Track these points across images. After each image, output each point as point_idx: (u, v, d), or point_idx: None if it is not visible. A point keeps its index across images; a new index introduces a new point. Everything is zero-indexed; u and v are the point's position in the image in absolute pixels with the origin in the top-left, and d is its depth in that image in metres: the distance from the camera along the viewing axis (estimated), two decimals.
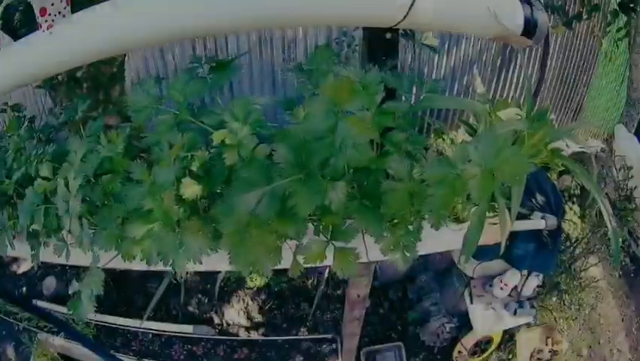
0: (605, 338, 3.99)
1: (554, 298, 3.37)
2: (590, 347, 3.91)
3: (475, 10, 1.19)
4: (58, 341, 3.45)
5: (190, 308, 3.61)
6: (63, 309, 3.59)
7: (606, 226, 3.11)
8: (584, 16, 3.03)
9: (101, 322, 3.44)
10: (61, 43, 1.13)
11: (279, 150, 0.97)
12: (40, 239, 1.32)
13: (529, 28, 1.29)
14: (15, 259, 4.32)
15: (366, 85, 1.05)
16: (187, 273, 3.68)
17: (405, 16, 1.11)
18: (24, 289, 4.20)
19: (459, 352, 3.13)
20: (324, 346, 2.72)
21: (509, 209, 1.07)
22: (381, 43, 1.30)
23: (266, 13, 1.10)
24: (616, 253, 2.11)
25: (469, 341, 3.04)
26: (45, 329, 3.50)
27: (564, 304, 3.45)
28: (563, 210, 2.86)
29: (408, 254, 1.15)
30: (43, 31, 1.13)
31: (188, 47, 3.80)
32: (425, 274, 3.34)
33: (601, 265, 3.91)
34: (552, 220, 2.26)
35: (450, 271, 3.13)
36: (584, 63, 3.62)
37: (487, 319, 2.78)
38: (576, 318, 3.57)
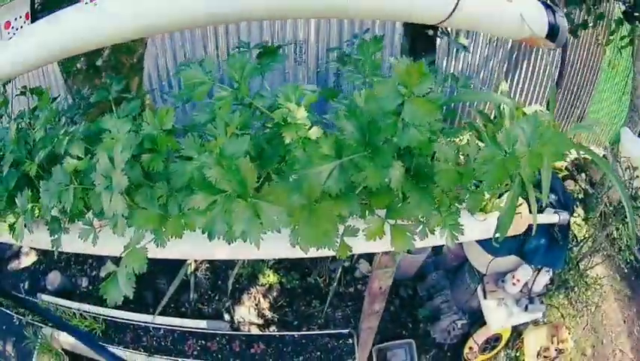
0: (607, 338, 4.14)
1: (561, 296, 3.52)
2: (594, 346, 4.05)
3: (508, 15, 1.34)
4: (63, 337, 3.46)
5: (199, 305, 3.68)
6: (70, 304, 3.64)
7: (612, 226, 3.28)
8: (590, 24, 3.21)
9: (110, 317, 3.44)
10: None
11: (347, 128, 1.08)
12: (62, 224, 1.33)
13: (553, 33, 1.44)
14: (17, 254, 4.36)
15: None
16: (198, 269, 3.71)
17: (449, 15, 1.25)
18: (26, 283, 4.20)
19: (470, 348, 3.25)
20: (340, 341, 2.80)
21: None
22: (422, 40, 1.43)
23: (333, 4, 1.22)
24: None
25: (480, 336, 3.16)
26: (50, 324, 3.49)
27: (571, 303, 3.60)
28: (572, 207, 3.01)
29: (455, 233, 1.27)
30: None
31: (199, 46, 3.90)
32: (436, 271, 3.46)
33: (604, 266, 4.07)
34: (565, 215, 2.40)
35: (461, 269, 3.25)
36: (587, 71, 3.81)
37: (499, 314, 2.90)
38: (582, 316, 3.72)
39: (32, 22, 1.51)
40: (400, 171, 1.10)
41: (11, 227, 1.39)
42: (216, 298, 3.58)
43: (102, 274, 1.07)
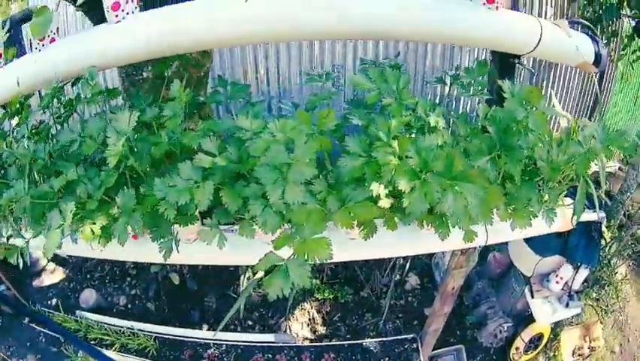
0: (633, 336, 4.65)
1: (594, 295, 4.02)
2: (621, 344, 4.55)
3: (569, 46, 1.85)
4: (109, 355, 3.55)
5: (250, 322, 3.97)
6: (119, 322, 3.81)
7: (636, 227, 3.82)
8: (604, 42, 3.83)
9: (165, 334, 3.58)
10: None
11: (491, 130, 1.53)
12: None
13: (597, 59, 1.97)
14: (40, 272, 4.49)
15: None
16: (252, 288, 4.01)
17: (534, 48, 1.76)
18: (53, 301, 4.30)
19: (516, 348, 3.67)
20: (406, 346, 3.17)
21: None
22: (506, 66, 1.94)
23: (433, 31, 1.64)
24: None
25: (526, 334, 3.61)
26: (92, 342, 3.65)
27: (602, 300, 4.10)
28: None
29: (553, 217, 1.74)
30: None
31: (239, 70, 4.23)
32: (480, 280, 3.91)
33: (627, 269, 4.62)
34: (602, 214, 2.92)
35: (506, 276, 3.72)
36: (601, 86, 4.43)
37: (546, 311, 3.36)
38: (611, 313, 4.21)
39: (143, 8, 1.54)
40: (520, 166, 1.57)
41: (105, 230, 1.38)
42: (268, 314, 3.90)
43: (260, 268, 1.08)
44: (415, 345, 3.12)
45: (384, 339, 3.20)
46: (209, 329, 3.92)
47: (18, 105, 1.67)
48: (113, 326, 3.79)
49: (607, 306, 4.18)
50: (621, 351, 4.47)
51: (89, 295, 4.19)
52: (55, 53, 1.61)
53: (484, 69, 1.79)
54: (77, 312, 4.03)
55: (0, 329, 4.05)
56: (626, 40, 3.57)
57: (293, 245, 1.15)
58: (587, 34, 1.96)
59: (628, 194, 4.06)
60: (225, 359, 3.43)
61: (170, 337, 3.60)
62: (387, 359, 3.11)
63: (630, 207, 3.71)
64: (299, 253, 1.12)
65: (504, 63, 1.91)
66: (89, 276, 4.53)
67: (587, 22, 1.96)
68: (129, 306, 4.28)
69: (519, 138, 1.53)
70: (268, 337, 3.46)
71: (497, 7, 1.50)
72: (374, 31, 1.41)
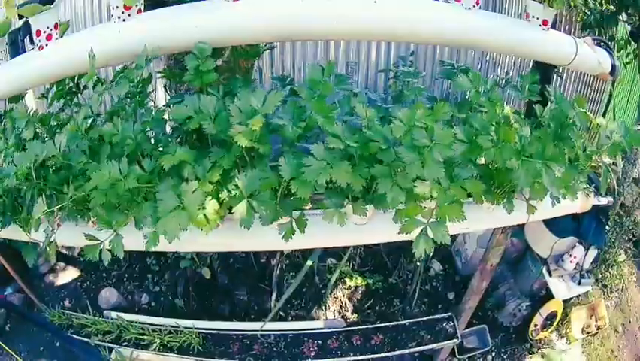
0: (633, 318, 5.33)
1: (600, 275, 4.68)
2: (624, 324, 5.23)
3: (594, 60, 2.41)
4: (146, 356, 3.68)
5: (281, 313, 4.24)
6: (157, 320, 3.83)
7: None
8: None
9: (208, 329, 3.68)
10: None
11: (552, 125, 2.07)
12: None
13: (613, 70, 2.54)
14: (50, 271, 4.56)
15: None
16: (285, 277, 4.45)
17: (572, 61, 2.32)
18: (66, 301, 4.39)
19: (535, 325, 4.28)
20: (444, 324, 3.66)
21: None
22: (545, 74, 2.50)
23: (509, 45, 2.19)
24: None
25: (545, 310, 4.23)
26: (124, 343, 3.66)
27: (607, 280, 4.76)
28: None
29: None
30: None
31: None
32: (499, 265, 4.50)
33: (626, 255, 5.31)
34: (610, 199, 3.55)
35: (523, 259, 4.34)
36: (595, 89, 5.10)
37: (562, 287, 3.99)
38: (617, 290, 4.88)
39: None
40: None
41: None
42: (301, 303, 4.32)
43: (407, 230, 1.28)
44: (451, 322, 3.64)
45: (424, 318, 3.69)
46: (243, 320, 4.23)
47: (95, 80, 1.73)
48: (150, 324, 3.79)
49: (610, 286, 4.84)
50: (624, 331, 5.13)
51: (109, 295, 4.29)
52: (151, 24, 1.71)
53: (535, 77, 2.31)
54: (106, 312, 4.05)
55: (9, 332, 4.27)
56: (622, 43, 4.23)
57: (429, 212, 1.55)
58: (604, 48, 2.53)
59: (623, 186, 4.75)
60: (275, 349, 3.63)
61: (214, 331, 3.73)
62: (429, 337, 3.59)
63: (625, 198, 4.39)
64: (441, 217, 1.54)
65: (544, 71, 2.46)
66: (104, 275, 4.61)
67: (605, 40, 2.54)
68: (153, 304, 4.40)
69: (570, 131, 2.07)
70: (317, 323, 3.85)
71: (549, 28, 2.06)
72: (472, 45, 1.95)
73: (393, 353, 3.49)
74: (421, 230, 1.57)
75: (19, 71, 1.81)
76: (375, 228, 1.92)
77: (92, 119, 1.72)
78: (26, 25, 1.78)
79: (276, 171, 1.53)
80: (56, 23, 1.75)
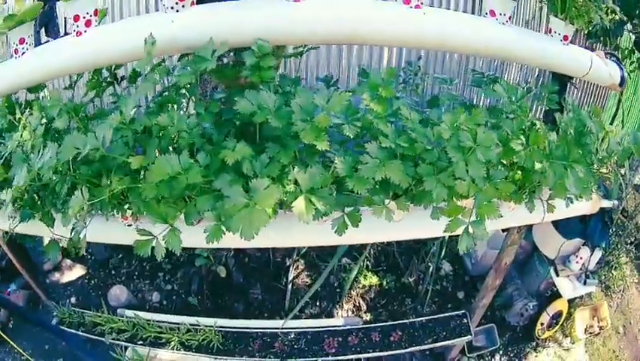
0: (634, 320, 5.63)
1: (603, 277, 4.97)
2: (624, 326, 5.52)
3: (606, 72, 2.66)
4: (165, 355, 3.78)
5: (297, 312, 4.30)
6: (176, 318, 3.88)
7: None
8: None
9: (227, 327, 3.75)
10: None
11: (571, 132, 2.33)
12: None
13: (622, 81, 2.81)
14: (57, 267, 4.63)
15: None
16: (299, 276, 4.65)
17: (587, 72, 2.59)
18: (72, 299, 4.47)
19: (541, 324, 4.55)
20: (458, 321, 3.83)
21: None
22: (562, 84, 2.76)
23: (534, 57, 2.45)
24: None
25: (551, 309, 4.50)
26: (139, 342, 3.71)
27: (610, 281, 5.06)
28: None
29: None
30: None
31: None
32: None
33: (627, 258, 5.61)
34: (616, 202, 3.84)
35: (530, 260, 4.61)
36: (599, 95, 5.41)
37: (569, 286, 4.26)
38: (619, 292, 5.17)
39: None
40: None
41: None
42: (315, 302, 4.52)
43: (452, 230, 1.39)
44: (465, 320, 3.89)
45: (440, 315, 3.94)
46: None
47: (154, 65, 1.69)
48: (167, 323, 3.83)
49: (613, 288, 5.14)
50: (625, 332, 5.41)
51: (119, 292, 4.34)
52: (208, 17, 1.72)
53: (555, 87, 2.55)
54: (120, 310, 4.04)
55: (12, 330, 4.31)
56: (626, 52, 4.53)
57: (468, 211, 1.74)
58: (614, 61, 2.78)
59: (625, 192, 5.05)
60: (296, 346, 3.73)
61: (233, 329, 3.79)
62: (444, 334, 3.83)
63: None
64: (480, 216, 1.73)
65: (561, 82, 2.72)
66: (113, 272, 4.69)
67: (615, 53, 2.81)
68: (164, 302, 4.51)
69: (587, 138, 2.33)
70: (337, 321, 4.02)
71: (569, 44, 2.32)
72: (506, 56, 2.20)
73: (412, 349, 3.69)
74: (464, 228, 1.78)
75: (51, 58, 1.78)
76: (410, 225, 2.12)
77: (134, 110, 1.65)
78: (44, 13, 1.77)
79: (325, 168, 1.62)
80: (96, 10, 1.75)
